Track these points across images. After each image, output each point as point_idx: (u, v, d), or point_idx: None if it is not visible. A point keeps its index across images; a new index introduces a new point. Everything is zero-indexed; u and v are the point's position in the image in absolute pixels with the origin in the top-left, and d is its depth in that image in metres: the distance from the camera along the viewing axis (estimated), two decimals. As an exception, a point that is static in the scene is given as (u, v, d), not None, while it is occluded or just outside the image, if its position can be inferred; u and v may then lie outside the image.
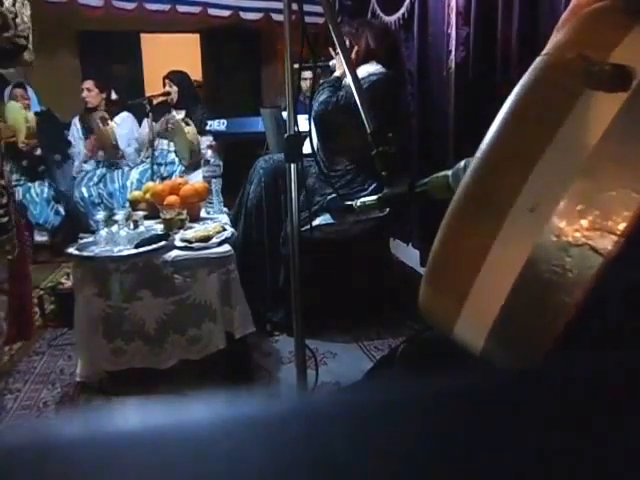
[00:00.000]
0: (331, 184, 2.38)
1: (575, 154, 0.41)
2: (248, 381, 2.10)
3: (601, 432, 0.23)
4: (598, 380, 0.26)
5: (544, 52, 0.47)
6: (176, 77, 3.99)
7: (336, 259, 2.48)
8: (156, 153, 3.76)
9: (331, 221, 2.42)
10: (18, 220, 1.84)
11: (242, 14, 4.53)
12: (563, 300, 0.39)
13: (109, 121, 3.92)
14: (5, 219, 1.61)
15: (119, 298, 1.95)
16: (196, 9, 4.40)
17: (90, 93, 4.02)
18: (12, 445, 0.21)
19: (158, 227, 2.25)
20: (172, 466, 0.20)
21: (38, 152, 3.87)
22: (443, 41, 2.74)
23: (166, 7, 4.33)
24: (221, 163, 3.90)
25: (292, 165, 1.42)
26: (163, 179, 3.51)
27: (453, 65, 2.64)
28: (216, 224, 2.24)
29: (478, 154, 0.46)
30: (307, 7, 1.57)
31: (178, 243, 2.04)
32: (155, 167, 3.68)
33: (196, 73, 5.64)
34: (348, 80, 2.36)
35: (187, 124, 3.75)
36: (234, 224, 2.49)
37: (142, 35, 5.59)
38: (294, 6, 1.37)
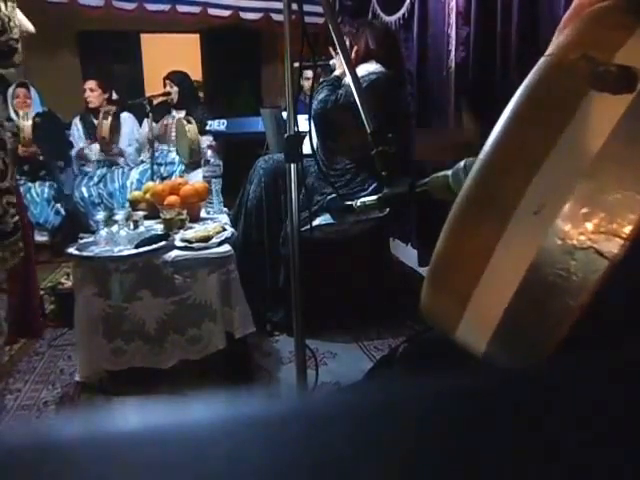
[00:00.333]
0: (330, 183, 2.38)
1: (580, 156, 0.41)
2: (248, 381, 2.10)
3: (601, 432, 0.23)
4: (599, 380, 0.26)
5: (547, 53, 0.47)
6: (177, 77, 3.99)
7: (336, 259, 2.48)
8: (156, 153, 3.77)
9: (331, 221, 2.42)
10: (23, 220, 1.84)
11: (242, 14, 4.53)
12: (567, 304, 0.38)
13: (109, 117, 3.92)
14: (17, 218, 1.62)
15: (119, 298, 1.95)
16: (196, 9, 4.40)
17: (93, 93, 4.02)
18: (12, 445, 0.21)
19: (158, 227, 2.25)
20: (172, 466, 0.20)
21: (40, 158, 3.87)
22: (443, 41, 2.74)
23: (166, 7, 4.33)
24: (221, 163, 3.90)
25: (292, 165, 1.42)
26: (163, 179, 3.51)
27: (453, 65, 2.64)
28: (216, 224, 2.24)
29: (481, 155, 0.46)
30: (307, 7, 1.57)
31: (178, 243, 2.04)
32: (155, 167, 3.68)
33: (196, 73, 5.64)
34: (347, 79, 2.37)
35: (189, 122, 3.75)
36: (234, 224, 2.49)
37: (142, 35, 5.59)
38: (294, 6, 1.36)
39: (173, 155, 4.02)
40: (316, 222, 2.38)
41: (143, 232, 2.14)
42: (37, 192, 3.84)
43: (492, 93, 2.33)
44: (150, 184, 2.80)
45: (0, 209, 1.59)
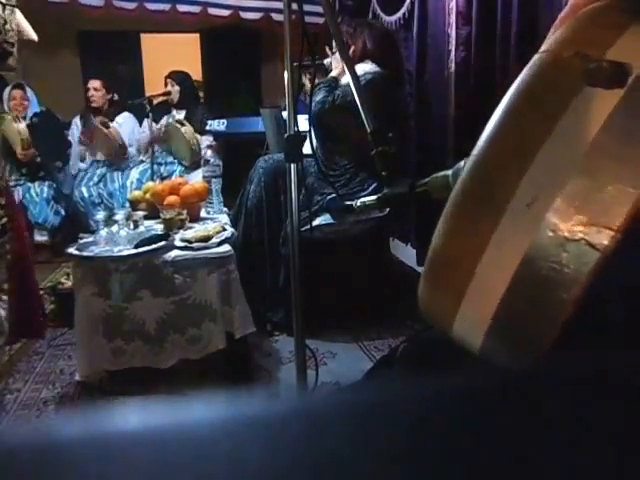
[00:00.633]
0: (330, 183, 2.38)
1: (572, 150, 0.41)
2: (248, 381, 2.10)
3: (601, 432, 0.23)
4: (598, 380, 0.26)
5: (541, 50, 0.48)
6: (178, 77, 4.00)
7: (336, 259, 2.48)
8: (156, 153, 3.77)
9: (331, 221, 2.42)
10: (18, 219, 1.83)
11: (242, 14, 4.53)
12: (560, 296, 0.39)
13: (110, 123, 3.92)
14: (5, 220, 1.61)
15: (119, 298, 1.95)
16: (196, 9, 4.40)
17: (97, 93, 4.02)
18: (12, 445, 0.21)
19: (158, 227, 2.25)
20: (172, 466, 0.20)
21: (38, 160, 3.87)
22: (443, 41, 2.74)
23: (166, 7, 4.33)
24: (221, 163, 3.90)
25: (292, 165, 1.42)
26: (163, 179, 3.51)
27: (453, 65, 2.64)
28: (216, 224, 2.24)
29: (475, 151, 0.46)
30: (307, 7, 1.57)
31: (178, 243, 2.04)
32: (155, 167, 3.68)
33: (196, 73, 5.63)
34: (345, 80, 2.38)
35: (182, 124, 3.76)
36: (234, 224, 2.49)
37: (142, 35, 5.59)
38: (294, 6, 1.36)
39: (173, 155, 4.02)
40: (316, 222, 2.38)
41: (143, 232, 2.15)
42: (36, 192, 3.84)
43: (493, 93, 2.33)
44: (150, 184, 2.80)
45: None
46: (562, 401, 0.25)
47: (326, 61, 2.52)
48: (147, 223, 2.29)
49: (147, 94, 4.21)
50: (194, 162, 3.84)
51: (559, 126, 0.42)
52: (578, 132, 0.41)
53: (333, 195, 2.37)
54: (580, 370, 0.27)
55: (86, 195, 3.89)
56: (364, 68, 2.38)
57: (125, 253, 1.96)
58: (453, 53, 2.63)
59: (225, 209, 2.63)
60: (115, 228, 2.09)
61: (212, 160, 3.86)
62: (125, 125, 4.11)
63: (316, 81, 2.43)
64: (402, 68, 3.00)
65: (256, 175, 2.58)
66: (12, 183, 3.83)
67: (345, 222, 2.44)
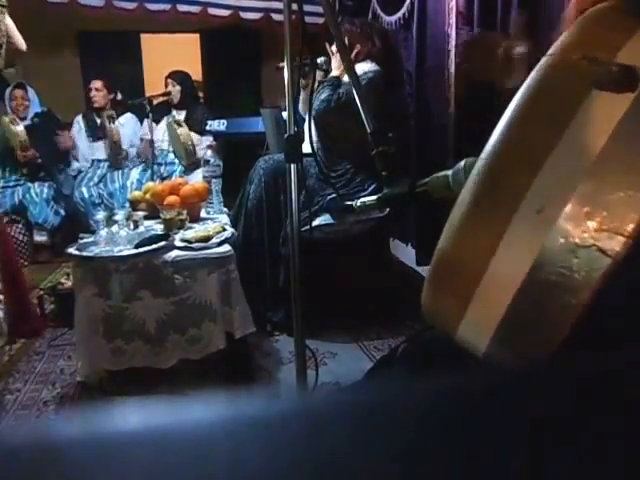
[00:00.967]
0: (331, 184, 2.38)
1: (582, 156, 0.41)
2: (248, 381, 2.10)
3: (600, 432, 0.23)
4: (598, 380, 0.26)
5: (549, 52, 0.47)
6: (179, 77, 4.01)
7: (336, 259, 2.48)
8: (156, 153, 3.77)
9: (331, 221, 2.42)
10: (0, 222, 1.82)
11: (242, 14, 4.53)
12: (570, 302, 0.38)
13: (114, 120, 3.94)
14: None
15: (119, 298, 1.95)
16: (196, 9, 4.40)
17: (99, 93, 4.03)
18: (12, 445, 0.21)
19: (158, 227, 2.25)
20: (172, 466, 0.20)
21: (39, 161, 3.87)
22: (443, 41, 2.74)
23: (166, 7, 4.33)
24: (221, 163, 3.90)
25: (292, 165, 1.42)
26: (163, 179, 3.51)
27: (453, 65, 2.64)
28: (216, 224, 2.24)
29: (483, 155, 0.46)
30: (307, 7, 1.57)
31: (178, 243, 2.04)
32: (155, 167, 3.69)
33: (196, 73, 5.63)
34: (347, 78, 2.38)
35: (180, 125, 3.76)
36: (234, 224, 2.49)
37: (142, 35, 5.58)
38: (294, 6, 1.36)
39: (173, 155, 4.02)
40: (316, 222, 2.38)
41: (143, 232, 2.15)
42: (36, 192, 3.84)
43: (493, 94, 2.33)
44: (150, 184, 2.81)
45: None
46: (562, 401, 0.25)
47: (319, 60, 2.51)
48: (147, 223, 2.29)
49: (147, 94, 4.21)
50: (191, 163, 3.84)
51: (568, 132, 0.42)
52: (587, 138, 0.41)
53: (333, 195, 2.37)
54: (580, 370, 0.27)
55: (86, 195, 3.89)
56: (364, 68, 2.38)
57: (125, 253, 1.96)
58: (453, 53, 2.63)
59: (225, 209, 2.63)
60: (115, 228, 2.09)
61: (212, 160, 3.87)
62: (127, 126, 4.12)
63: (318, 79, 2.43)
64: (402, 67, 3.00)
65: (256, 175, 2.58)
66: (12, 183, 3.84)
67: (345, 222, 2.44)
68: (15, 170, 3.87)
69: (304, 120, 2.47)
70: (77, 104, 4.47)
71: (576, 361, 0.29)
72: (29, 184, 3.87)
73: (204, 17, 4.49)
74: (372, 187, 2.38)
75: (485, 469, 0.22)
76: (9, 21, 1.66)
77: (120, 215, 2.17)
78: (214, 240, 2.05)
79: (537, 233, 0.41)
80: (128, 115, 4.15)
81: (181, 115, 4.02)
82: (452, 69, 2.65)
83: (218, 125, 3.94)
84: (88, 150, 4.11)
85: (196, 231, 2.14)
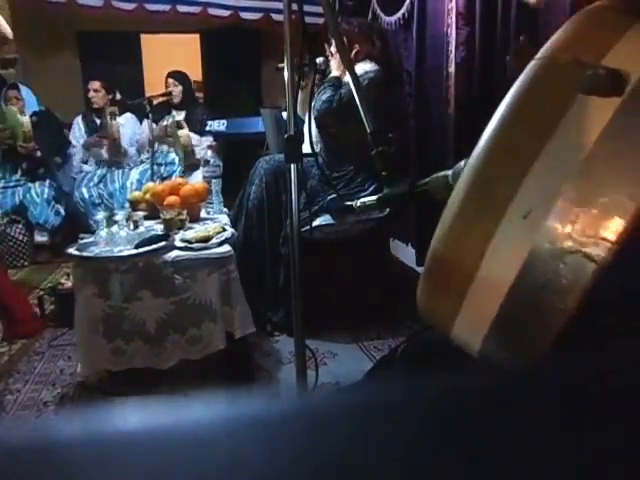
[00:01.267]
0: (332, 185, 2.38)
1: (568, 160, 0.41)
2: (248, 381, 2.10)
3: (600, 432, 0.23)
4: (597, 381, 0.26)
5: (538, 56, 0.47)
6: (180, 76, 4.02)
7: (336, 259, 2.48)
8: (156, 153, 3.77)
9: (331, 221, 2.43)
10: None
11: (242, 14, 4.53)
12: (558, 306, 0.39)
13: (115, 117, 3.94)
14: None
15: (119, 298, 1.95)
16: (196, 9, 4.40)
17: (97, 94, 4.03)
18: (12, 445, 0.21)
19: (158, 227, 2.25)
20: (172, 466, 0.20)
21: (38, 154, 3.88)
22: (443, 41, 2.74)
23: (166, 7, 4.33)
24: (221, 163, 3.91)
25: (292, 165, 1.42)
26: (163, 179, 3.52)
27: (453, 65, 2.64)
28: (216, 224, 2.24)
29: (471, 160, 0.46)
30: (307, 7, 1.57)
31: (178, 243, 2.04)
32: (155, 167, 3.69)
33: (196, 73, 5.63)
34: (347, 79, 2.38)
35: (180, 127, 3.77)
36: (234, 224, 2.49)
37: (142, 35, 5.58)
38: (294, 6, 1.36)
39: (173, 155, 4.03)
40: (316, 222, 2.38)
41: (143, 232, 2.15)
42: (37, 192, 3.84)
43: (493, 94, 2.33)
44: (150, 184, 2.81)
45: None
46: (562, 401, 0.25)
47: (318, 60, 2.51)
48: (147, 223, 2.29)
49: (147, 94, 4.22)
50: (189, 165, 3.85)
51: (554, 137, 0.42)
52: (574, 143, 0.41)
53: (333, 195, 2.37)
54: (579, 370, 0.27)
55: (86, 196, 3.89)
56: (364, 68, 2.38)
57: (125, 253, 1.96)
58: (453, 53, 2.63)
59: (225, 209, 2.63)
60: (115, 228, 2.09)
61: (212, 160, 3.87)
62: (127, 125, 4.12)
63: (308, 81, 2.43)
64: (401, 68, 3.00)
65: (257, 175, 2.58)
66: (12, 184, 3.84)
67: (345, 222, 2.44)
68: (15, 170, 3.88)
69: (303, 121, 2.47)
70: (77, 104, 4.47)
71: (575, 361, 0.29)
72: (29, 184, 3.87)
73: (204, 17, 4.49)
74: (372, 187, 2.38)
75: (485, 469, 0.22)
76: None
77: (120, 215, 2.17)
78: (214, 240, 2.05)
79: (524, 238, 0.41)
80: (128, 115, 4.15)
81: (181, 115, 4.02)
82: (452, 69, 2.65)
83: (218, 125, 3.95)
84: (90, 154, 4.12)
85: (196, 231, 2.14)
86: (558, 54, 0.46)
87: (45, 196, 3.85)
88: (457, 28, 2.58)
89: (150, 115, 3.68)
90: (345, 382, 2.07)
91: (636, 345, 0.41)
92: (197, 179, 3.24)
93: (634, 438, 0.23)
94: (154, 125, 3.81)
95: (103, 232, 2.08)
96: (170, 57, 5.12)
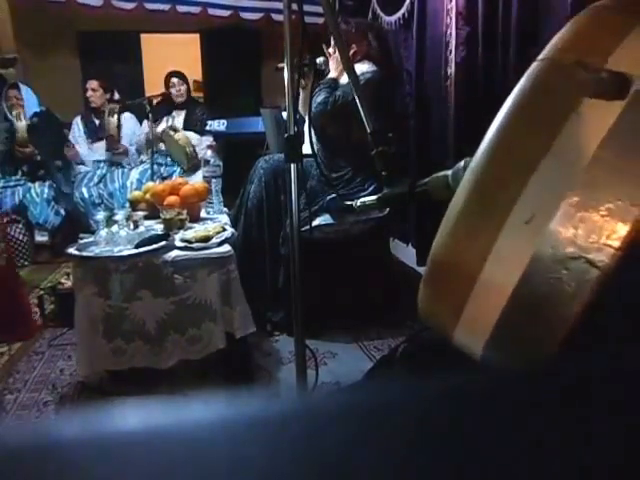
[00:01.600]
0: (332, 186, 2.38)
1: (571, 165, 0.40)
2: (248, 381, 2.10)
3: (600, 432, 0.23)
4: (598, 381, 0.26)
5: (540, 57, 0.47)
6: (183, 76, 4.03)
7: (336, 259, 2.48)
8: (156, 153, 3.77)
9: (331, 221, 2.42)
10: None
11: (242, 14, 4.53)
12: (561, 312, 0.38)
13: (115, 114, 3.94)
14: None
15: (119, 298, 1.95)
16: (196, 9, 4.40)
17: (95, 93, 4.03)
18: (12, 445, 0.21)
19: (158, 227, 2.25)
20: (172, 466, 0.20)
21: (37, 158, 3.88)
22: (443, 41, 2.74)
23: (166, 7, 4.33)
24: (221, 163, 3.90)
25: (292, 165, 1.42)
26: (163, 179, 3.51)
27: (453, 65, 2.64)
28: (216, 224, 2.24)
29: (472, 164, 0.46)
30: (307, 7, 1.57)
31: (178, 243, 2.04)
32: (155, 167, 3.68)
33: (196, 73, 5.63)
34: (344, 80, 2.38)
35: (175, 130, 3.77)
36: (234, 224, 2.49)
37: (142, 35, 5.59)
38: (294, 6, 1.36)
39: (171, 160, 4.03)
40: (316, 222, 2.38)
41: (143, 232, 2.14)
42: (37, 192, 3.84)
43: (492, 93, 2.33)
44: (150, 184, 2.81)
45: None
46: (562, 401, 0.25)
47: (318, 60, 2.51)
48: (147, 223, 2.29)
49: (147, 94, 4.22)
50: (192, 165, 3.85)
51: (557, 142, 0.41)
52: (577, 148, 0.41)
53: (333, 195, 2.37)
54: (580, 371, 0.27)
55: (86, 195, 3.89)
56: (362, 68, 2.38)
57: (125, 253, 1.96)
58: (453, 53, 2.63)
59: (225, 209, 2.63)
60: (115, 228, 2.09)
61: (212, 160, 3.86)
62: (126, 125, 4.11)
63: (308, 81, 2.43)
64: (401, 68, 3.00)
65: (257, 175, 2.58)
66: (12, 183, 3.84)
67: (345, 222, 2.44)
68: (15, 170, 3.88)
69: (304, 121, 2.47)
70: (77, 104, 4.47)
71: (576, 362, 0.29)
72: (29, 184, 3.87)
73: (204, 17, 4.49)
74: (372, 187, 2.38)
75: (485, 469, 0.22)
76: None
77: (120, 215, 2.17)
78: (214, 240, 2.05)
79: (527, 243, 0.41)
80: (127, 115, 4.14)
81: (180, 115, 4.02)
82: (452, 69, 2.65)
83: (218, 125, 3.95)
84: (87, 151, 4.11)
85: (196, 231, 2.14)
86: (561, 55, 0.45)
87: (45, 196, 3.85)
88: (457, 28, 2.58)
89: (150, 115, 3.68)
90: (345, 382, 2.07)
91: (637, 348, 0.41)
92: (197, 179, 3.24)
93: (635, 439, 0.23)
94: (154, 126, 3.81)
95: (103, 232, 2.08)
96: (170, 57, 5.12)
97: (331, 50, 2.47)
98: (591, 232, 0.38)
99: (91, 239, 2.11)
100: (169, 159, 4.01)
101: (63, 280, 2.86)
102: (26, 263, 3.76)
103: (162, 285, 1.97)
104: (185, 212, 2.30)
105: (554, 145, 0.41)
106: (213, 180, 2.67)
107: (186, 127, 4.03)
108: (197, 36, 5.60)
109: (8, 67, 4.14)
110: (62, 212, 3.90)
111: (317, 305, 2.07)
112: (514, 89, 0.46)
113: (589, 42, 0.45)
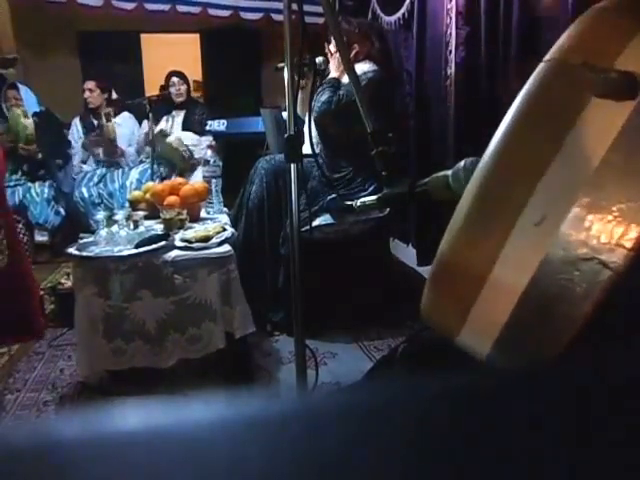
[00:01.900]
0: (333, 187, 2.38)
1: (582, 166, 0.40)
2: (248, 381, 2.10)
3: (600, 432, 0.23)
4: (597, 381, 0.26)
5: (547, 58, 0.46)
6: (183, 76, 4.04)
7: (336, 259, 2.48)
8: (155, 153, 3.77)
9: (331, 221, 2.42)
10: (9, 219, 1.82)
11: (242, 14, 4.53)
12: (571, 313, 0.38)
13: (111, 118, 3.94)
14: None
15: (119, 298, 1.95)
16: (196, 9, 4.40)
17: (92, 94, 4.03)
18: (12, 445, 0.21)
19: (158, 227, 2.25)
20: (172, 466, 0.20)
21: (39, 156, 3.87)
22: (443, 41, 2.74)
23: (166, 7, 4.33)
24: (221, 163, 3.91)
25: (292, 165, 1.42)
26: (163, 179, 3.51)
27: (453, 65, 2.64)
28: (216, 224, 2.24)
29: (481, 164, 0.46)
30: (307, 7, 1.57)
31: (178, 243, 2.04)
32: (155, 167, 3.68)
33: (196, 73, 5.63)
34: (346, 80, 2.38)
35: (165, 135, 3.78)
36: (234, 224, 2.49)
37: (142, 35, 5.59)
38: (294, 6, 1.36)
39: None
40: (316, 222, 2.38)
41: (143, 232, 2.14)
42: (37, 192, 3.84)
43: (492, 93, 2.33)
44: (150, 184, 2.81)
45: None
46: (562, 401, 0.25)
47: (318, 60, 2.51)
48: (147, 223, 2.29)
49: (147, 94, 4.22)
50: (186, 167, 3.85)
51: (567, 142, 0.41)
52: (588, 148, 0.40)
53: (333, 195, 2.37)
54: (580, 372, 0.27)
55: (86, 195, 3.89)
56: (363, 68, 2.38)
57: (125, 253, 1.96)
58: (453, 53, 2.63)
59: (225, 209, 2.63)
60: (115, 228, 2.09)
61: (212, 160, 3.87)
62: (124, 125, 4.11)
63: (308, 81, 2.43)
64: (401, 68, 3.00)
65: (258, 175, 2.58)
66: (12, 183, 3.84)
67: (345, 222, 2.44)
68: (15, 170, 3.87)
69: (303, 121, 2.47)
70: (77, 104, 4.47)
71: (577, 363, 0.29)
72: (29, 184, 3.87)
73: (204, 17, 4.49)
74: (372, 187, 2.38)
75: (485, 469, 0.22)
76: None
77: (120, 215, 2.17)
78: (214, 240, 2.05)
79: (537, 244, 0.41)
80: (125, 115, 4.14)
81: (180, 115, 4.02)
82: (452, 69, 2.65)
83: (218, 125, 3.95)
84: (88, 154, 4.12)
85: (196, 231, 2.14)
86: (568, 56, 0.45)
87: (45, 196, 3.85)
88: (457, 28, 2.58)
89: (150, 115, 3.68)
90: (345, 382, 2.07)
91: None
92: (197, 179, 3.24)
93: (636, 440, 0.23)
94: (153, 126, 3.81)
95: (103, 232, 2.08)
96: (170, 57, 5.12)
97: (332, 48, 2.47)
98: (603, 233, 0.38)
99: (91, 239, 2.11)
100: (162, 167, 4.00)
101: (63, 280, 2.86)
102: (26, 263, 3.76)
103: (162, 285, 1.97)
104: (185, 212, 2.30)
105: (563, 147, 0.41)
106: (213, 180, 2.67)
107: (185, 127, 4.03)
108: (197, 36, 5.60)
109: (8, 67, 4.13)
110: (62, 212, 3.90)
111: (317, 305, 2.07)
112: (521, 91, 0.45)
113: (596, 42, 0.45)
